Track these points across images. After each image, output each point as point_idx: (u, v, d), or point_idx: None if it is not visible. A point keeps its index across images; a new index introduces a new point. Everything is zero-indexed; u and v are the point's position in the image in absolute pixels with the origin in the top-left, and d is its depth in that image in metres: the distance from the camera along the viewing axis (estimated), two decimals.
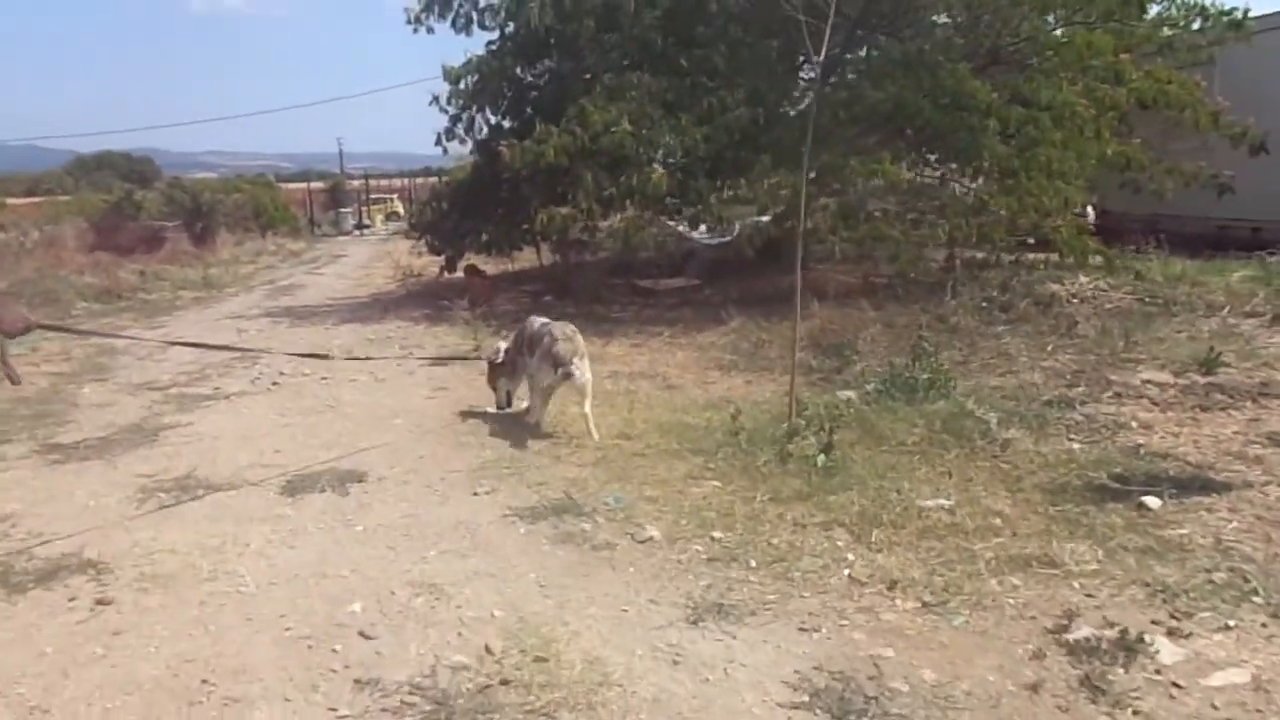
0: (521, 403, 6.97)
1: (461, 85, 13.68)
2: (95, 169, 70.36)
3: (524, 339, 6.82)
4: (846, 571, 4.07)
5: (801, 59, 12.31)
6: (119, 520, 5.04)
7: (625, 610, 3.77)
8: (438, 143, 14.09)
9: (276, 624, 3.74)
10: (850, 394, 7.36)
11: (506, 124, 13.89)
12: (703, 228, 11.73)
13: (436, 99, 14.50)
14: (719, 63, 11.50)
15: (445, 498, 5.24)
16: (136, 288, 17.44)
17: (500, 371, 7.00)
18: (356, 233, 41.73)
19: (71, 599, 4.04)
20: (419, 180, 52.22)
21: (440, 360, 9.01)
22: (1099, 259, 10.91)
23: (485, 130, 14.14)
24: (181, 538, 4.71)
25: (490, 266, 16.55)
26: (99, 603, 3.97)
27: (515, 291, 15.12)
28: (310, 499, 5.29)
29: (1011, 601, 3.74)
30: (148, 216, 27.77)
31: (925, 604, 3.75)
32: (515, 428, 6.65)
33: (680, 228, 13.45)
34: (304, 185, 50.90)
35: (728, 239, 13.86)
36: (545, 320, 6.93)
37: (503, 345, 7.12)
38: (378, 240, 36.18)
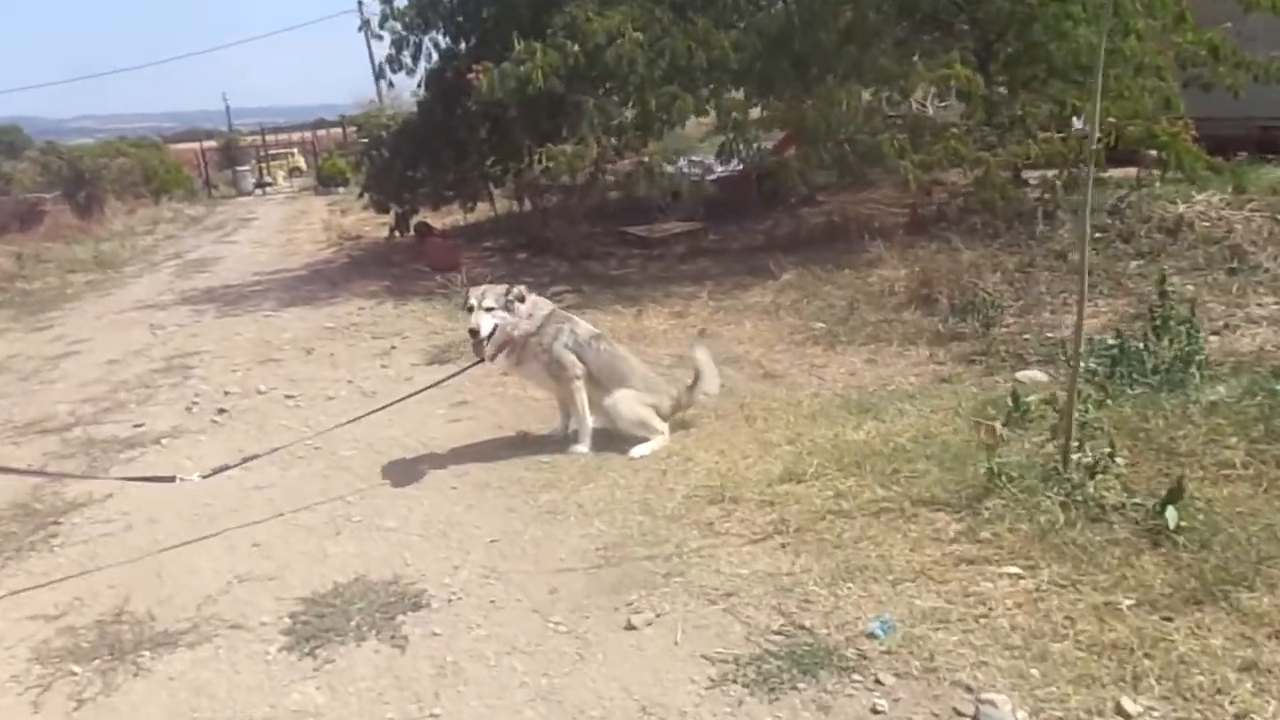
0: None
1: (399, 2, 11.11)
2: None
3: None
4: None
5: None
6: None
7: None
8: (380, 76, 11.66)
9: None
10: (1035, 373, 5.43)
11: (462, 46, 11.39)
12: (731, 160, 9.53)
13: (367, 24, 11.96)
14: None
15: (583, 642, 3.06)
16: (14, 275, 14.54)
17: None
18: (258, 192, 38.46)
19: None
20: (320, 132, 48.68)
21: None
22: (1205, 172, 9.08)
23: (435, 57, 11.62)
24: None
25: (437, 220, 14.11)
26: None
27: (477, 250, 12.74)
28: (345, 660, 3.07)
29: None
30: (20, 190, 24.32)
31: None
32: (608, 467, 4.50)
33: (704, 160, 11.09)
34: (194, 145, 46.53)
35: (732, 171, 11.68)
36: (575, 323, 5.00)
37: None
38: (284, 199, 33.11)
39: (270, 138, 49.40)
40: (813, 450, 4.44)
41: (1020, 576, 3.15)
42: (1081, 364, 5.08)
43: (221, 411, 6.04)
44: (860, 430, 4.66)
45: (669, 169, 9.06)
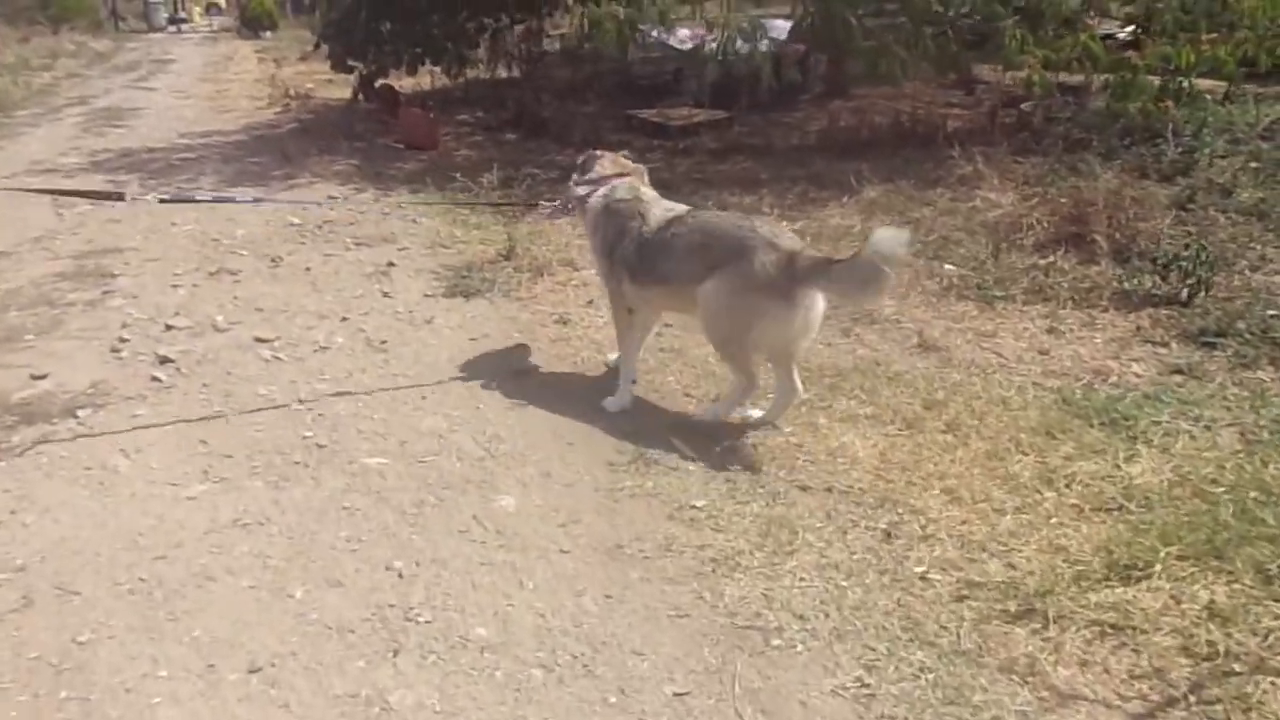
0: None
1: None
2: None
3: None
4: None
5: None
6: None
7: None
8: None
9: None
10: None
11: None
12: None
13: None
14: None
15: None
16: None
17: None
18: (172, 29, 34.98)
19: None
20: None
21: None
22: None
23: None
24: None
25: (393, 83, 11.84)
26: None
27: (453, 125, 10.69)
28: None
29: None
30: None
31: None
32: (796, 521, 2.93)
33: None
34: None
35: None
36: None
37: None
38: (201, 39, 29.79)
39: None
40: (1096, 502, 2.96)
41: None
42: None
43: (165, 362, 4.21)
44: (1138, 464, 3.19)
45: (742, 45, 7.18)
